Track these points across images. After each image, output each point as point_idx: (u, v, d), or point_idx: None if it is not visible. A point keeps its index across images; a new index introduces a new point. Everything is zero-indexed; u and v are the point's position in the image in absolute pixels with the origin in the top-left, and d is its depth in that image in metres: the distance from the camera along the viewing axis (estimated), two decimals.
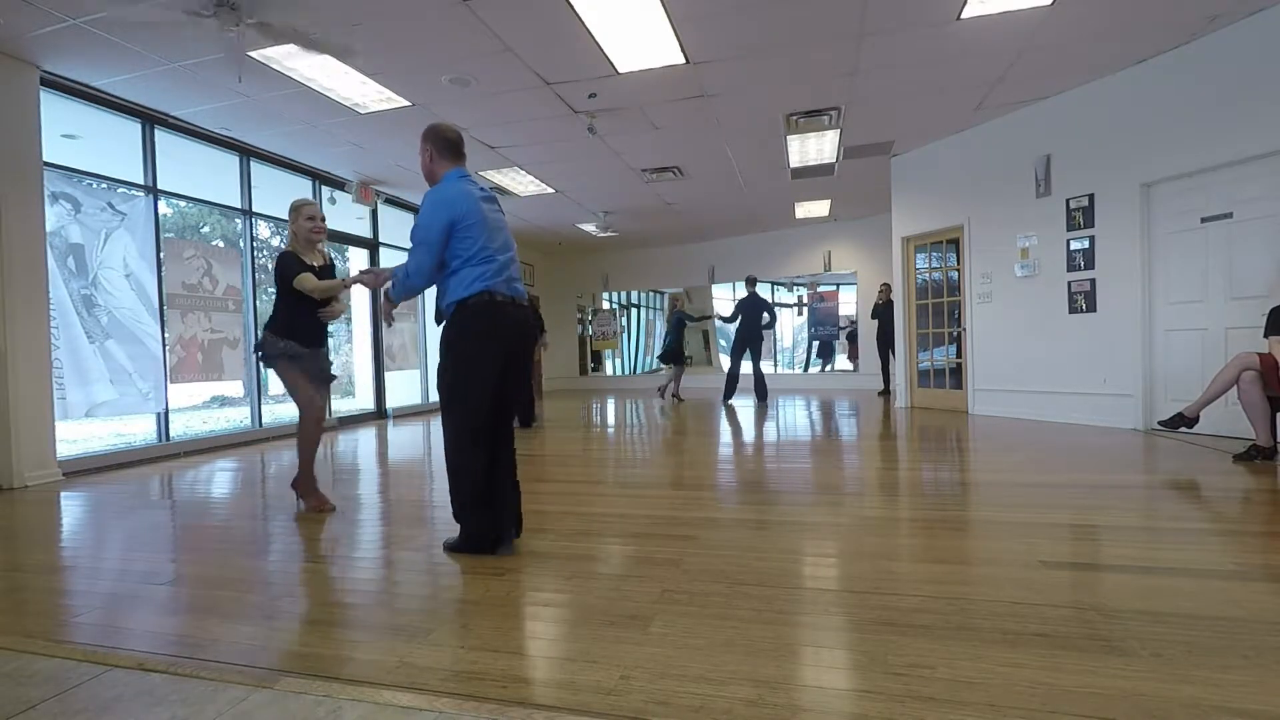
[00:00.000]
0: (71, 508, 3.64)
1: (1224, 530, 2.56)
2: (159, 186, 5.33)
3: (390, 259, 8.41)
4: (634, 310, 13.54)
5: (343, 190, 7.36)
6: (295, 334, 3.16)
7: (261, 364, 3.35)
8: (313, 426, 3.25)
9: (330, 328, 3.41)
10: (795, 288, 11.76)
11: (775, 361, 12.01)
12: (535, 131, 5.96)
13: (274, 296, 3.25)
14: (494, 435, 2.44)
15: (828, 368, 11.65)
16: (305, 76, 4.64)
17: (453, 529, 2.59)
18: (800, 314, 11.81)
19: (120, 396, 5.02)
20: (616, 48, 4.38)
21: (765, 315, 8.57)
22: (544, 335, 8.20)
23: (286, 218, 3.35)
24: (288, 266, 3.14)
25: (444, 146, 2.61)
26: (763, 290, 12.01)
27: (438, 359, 2.46)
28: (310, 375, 3.23)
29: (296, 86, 4.80)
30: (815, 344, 11.72)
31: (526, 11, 3.90)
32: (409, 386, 8.96)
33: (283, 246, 3.38)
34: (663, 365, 9.42)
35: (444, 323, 2.46)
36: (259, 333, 6.40)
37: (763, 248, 11.48)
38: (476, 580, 2.19)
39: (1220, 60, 4.47)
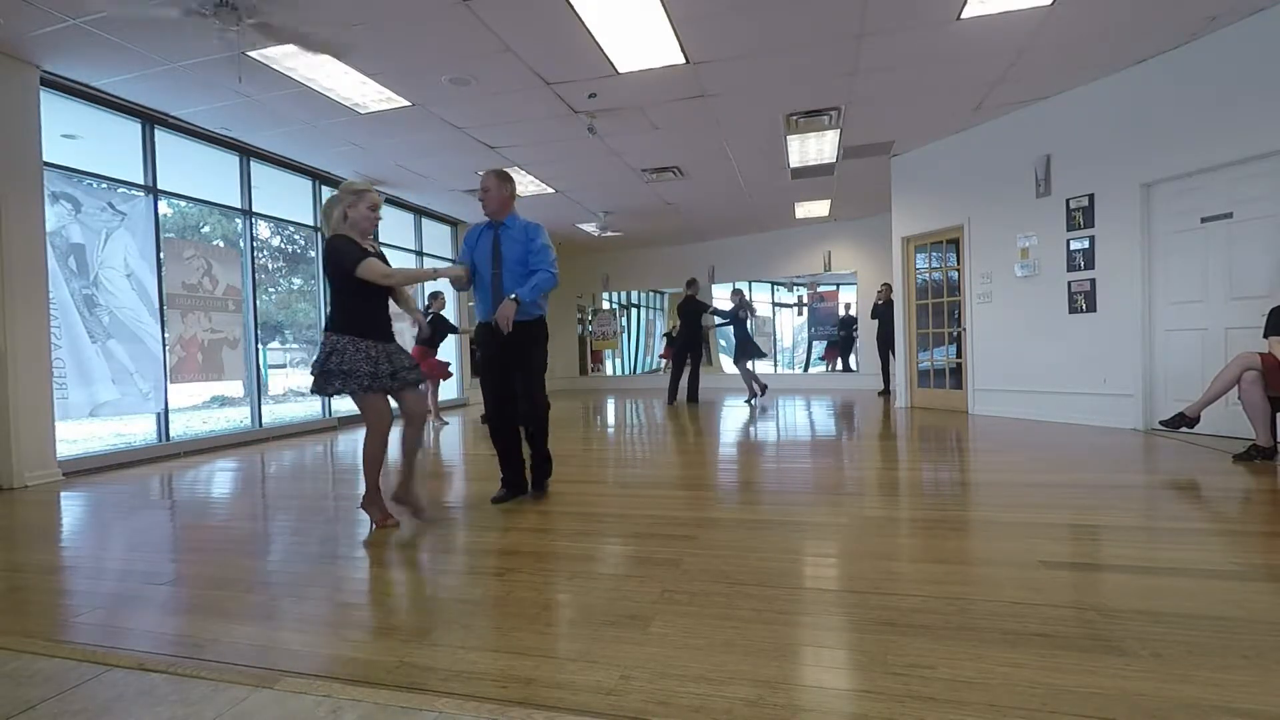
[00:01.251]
0: (71, 508, 3.64)
1: (1224, 530, 2.56)
2: (159, 186, 5.33)
3: (390, 259, 8.38)
4: (634, 310, 13.53)
5: None
6: (357, 328, 2.79)
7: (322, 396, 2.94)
8: (375, 442, 2.86)
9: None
10: (795, 288, 11.76)
11: (775, 361, 12.01)
12: (535, 131, 5.96)
13: (330, 291, 2.86)
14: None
15: (835, 367, 11.56)
16: (305, 76, 4.64)
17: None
18: (800, 314, 11.80)
19: (123, 396, 5.03)
20: (616, 48, 4.38)
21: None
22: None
23: (339, 199, 2.86)
24: (346, 252, 2.76)
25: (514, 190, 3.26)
26: (761, 290, 12.06)
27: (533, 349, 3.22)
28: (374, 380, 2.77)
29: (296, 86, 4.80)
30: (824, 343, 11.61)
31: (526, 11, 3.90)
32: None
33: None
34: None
35: (530, 325, 3.19)
36: (259, 333, 6.43)
37: (763, 248, 11.48)
38: (476, 580, 2.19)
39: (1220, 60, 4.47)
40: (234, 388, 7.74)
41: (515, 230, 3.21)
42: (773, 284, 11.93)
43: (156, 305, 5.26)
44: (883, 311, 8.61)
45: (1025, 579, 2.02)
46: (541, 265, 3.17)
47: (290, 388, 11.51)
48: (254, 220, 6.37)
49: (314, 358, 2.81)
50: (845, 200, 9.18)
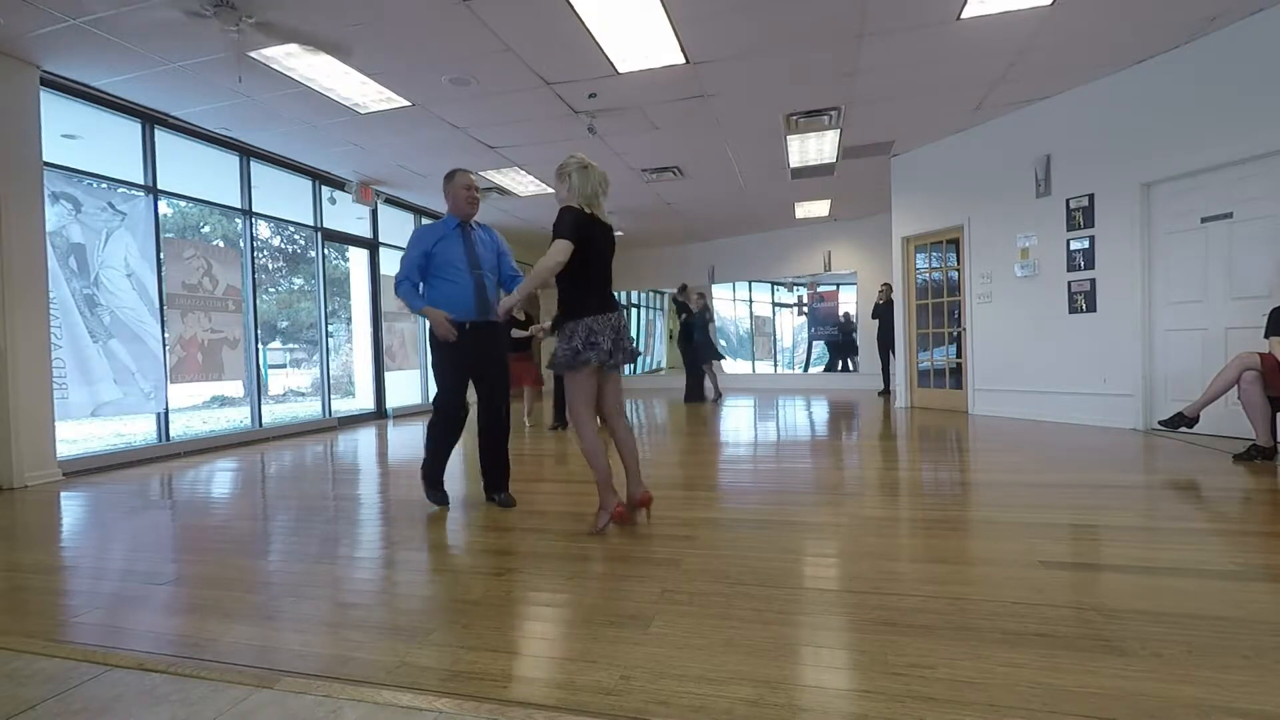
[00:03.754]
0: (71, 508, 3.64)
1: (1224, 530, 2.56)
2: (159, 186, 5.33)
3: (390, 259, 8.42)
4: (634, 310, 13.53)
5: (343, 190, 7.36)
6: None
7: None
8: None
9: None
10: (795, 288, 11.76)
11: (775, 361, 12.02)
12: (535, 131, 5.96)
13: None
14: None
15: (823, 367, 11.60)
16: (305, 76, 4.64)
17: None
18: (800, 314, 11.80)
19: (125, 396, 5.03)
20: (616, 48, 4.38)
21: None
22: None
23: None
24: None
25: None
26: (761, 290, 12.07)
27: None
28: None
29: (296, 86, 4.80)
30: (821, 344, 11.66)
31: (526, 11, 3.90)
32: (409, 386, 8.96)
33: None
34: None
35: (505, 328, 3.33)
36: (259, 333, 6.44)
37: (763, 248, 11.48)
38: (476, 580, 2.19)
39: (1220, 60, 4.47)
40: (234, 388, 7.75)
41: (482, 233, 3.29)
42: (773, 284, 11.94)
43: (157, 305, 5.25)
44: (883, 311, 8.62)
45: (1025, 579, 2.02)
46: (517, 271, 3.37)
47: (290, 387, 11.51)
48: (254, 220, 6.37)
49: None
50: (845, 200, 9.18)
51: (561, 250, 2.56)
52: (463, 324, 3.09)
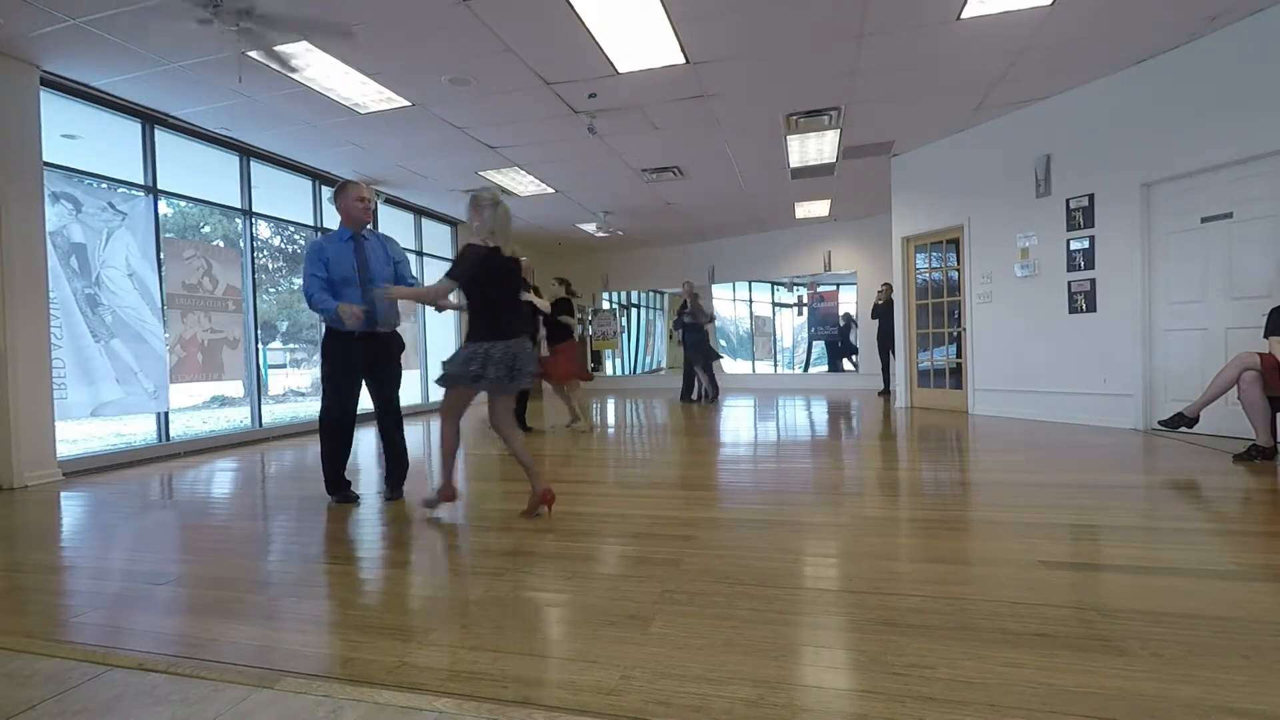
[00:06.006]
0: (71, 508, 3.64)
1: (1224, 530, 2.56)
2: (159, 186, 5.33)
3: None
4: (634, 310, 13.53)
5: None
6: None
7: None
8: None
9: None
10: (795, 288, 11.76)
11: (775, 361, 12.02)
12: (535, 131, 5.96)
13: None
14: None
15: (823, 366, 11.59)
16: (305, 76, 4.64)
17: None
18: (800, 314, 11.80)
19: (127, 395, 5.03)
20: (616, 48, 4.38)
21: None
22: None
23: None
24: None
25: None
26: (761, 290, 12.06)
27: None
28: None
29: (296, 86, 4.80)
30: (820, 344, 11.65)
31: (526, 11, 3.90)
32: (409, 387, 8.96)
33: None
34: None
35: (396, 336, 3.49)
36: (259, 333, 6.43)
37: (763, 248, 11.48)
38: (476, 580, 2.19)
39: (1220, 60, 4.47)
40: (234, 388, 7.74)
41: (375, 242, 3.40)
42: (773, 284, 11.93)
43: (159, 305, 5.25)
44: (883, 311, 8.62)
45: (1025, 579, 2.02)
46: (414, 279, 3.52)
47: (290, 387, 11.50)
48: (254, 220, 6.37)
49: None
50: (845, 200, 9.18)
51: (445, 289, 2.88)
52: (352, 333, 3.25)
